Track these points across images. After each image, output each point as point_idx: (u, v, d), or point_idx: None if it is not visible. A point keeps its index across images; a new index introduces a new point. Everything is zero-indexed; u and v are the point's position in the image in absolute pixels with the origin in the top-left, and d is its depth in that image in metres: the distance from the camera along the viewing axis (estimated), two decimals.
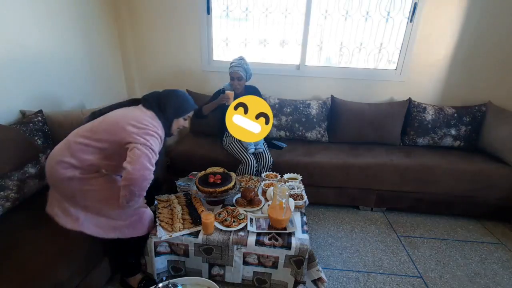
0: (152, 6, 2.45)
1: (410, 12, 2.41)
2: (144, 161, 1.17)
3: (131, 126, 1.22)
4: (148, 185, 1.23)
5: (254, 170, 2.03)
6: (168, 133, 1.42)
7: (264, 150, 2.10)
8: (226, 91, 1.97)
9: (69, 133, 1.30)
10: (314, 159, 2.18)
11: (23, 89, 1.64)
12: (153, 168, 1.22)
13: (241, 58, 2.09)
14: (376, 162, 2.16)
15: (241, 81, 2.08)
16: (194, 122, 2.56)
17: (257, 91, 2.26)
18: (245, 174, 2.02)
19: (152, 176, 1.22)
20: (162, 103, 1.39)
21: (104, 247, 1.40)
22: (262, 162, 2.07)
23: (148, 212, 1.42)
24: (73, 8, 1.98)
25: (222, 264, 1.45)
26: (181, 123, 1.49)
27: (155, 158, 1.24)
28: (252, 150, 2.08)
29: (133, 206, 1.25)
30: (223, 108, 2.17)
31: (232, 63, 2.08)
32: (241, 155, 2.05)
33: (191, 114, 1.53)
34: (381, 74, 2.63)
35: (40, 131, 1.54)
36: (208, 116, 2.13)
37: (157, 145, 1.26)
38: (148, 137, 1.23)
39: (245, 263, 1.43)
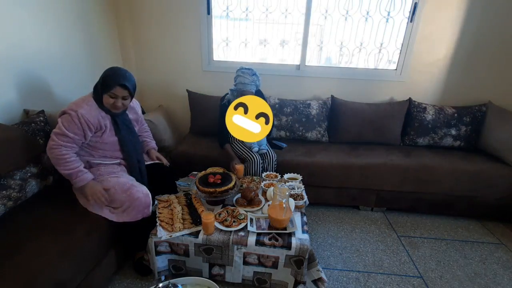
0: (152, 6, 2.45)
1: (410, 12, 2.41)
2: (52, 134, 1.37)
3: None
4: (56, 156, 1.35)
5: (260, 167, 2.02)
6: (104, 108, 1.48)
7: (267, 150, 2.10)
8: (236, 166, 1.90)
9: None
10: (314, 159, 2.18)
11: (26, 88, 1.65)
12: (56, 141, 1.34)
13: (254, 74, 1.91)
14: (376, 162, 2.16)
15: None
16: (195, 122, 2.57)
17: (260, 94, 2.22)
18: (251, 172, 1.99)
19: (57, 150, 1.34)
20: (99, 81, 1.46)
21: (105, 246, 1.43)
22: (267, 160, 2.06)
23: (140, 200, 1.44)
24: (74, 8, 1.99)
25: (222, 264, 1.45)
26: (107, 100, 1.43)
27: (62, 133, 1.35)
28: (256, 150, 2.07)
29: (59, 169, 1.38)
30: (224, 110, 2.15)
31: (242, 77, 1.89)
32: (245, 153, 2.04)
33: (117, 92, 1.41)
34: (381, 74, 2.63)
35: (42, 131, 1.54)
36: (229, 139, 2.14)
37: (68, 122, 1.36)
38: (63, 116, 1.39)
39: (245, 263, 1.43)
